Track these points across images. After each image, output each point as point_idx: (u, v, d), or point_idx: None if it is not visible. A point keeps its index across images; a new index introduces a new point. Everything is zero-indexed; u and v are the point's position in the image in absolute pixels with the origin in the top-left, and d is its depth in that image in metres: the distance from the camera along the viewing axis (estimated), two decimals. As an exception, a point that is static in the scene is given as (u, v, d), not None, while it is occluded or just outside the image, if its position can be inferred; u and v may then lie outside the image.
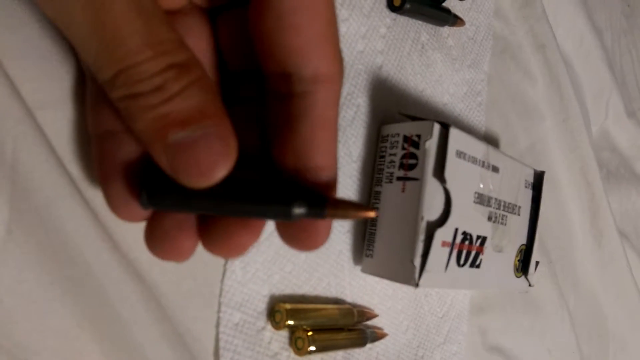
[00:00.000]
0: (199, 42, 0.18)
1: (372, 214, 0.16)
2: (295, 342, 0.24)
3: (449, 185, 0.24)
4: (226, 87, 0.18)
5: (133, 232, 0.19)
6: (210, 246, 0.16)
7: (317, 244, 0.16)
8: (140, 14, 0.13)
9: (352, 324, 0.26)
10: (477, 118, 0.34)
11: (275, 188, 0.15)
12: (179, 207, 0.15)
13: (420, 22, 0.30)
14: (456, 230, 0.25)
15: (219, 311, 0.22)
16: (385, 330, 0.28)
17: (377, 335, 0.27)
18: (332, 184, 0.16)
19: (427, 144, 0.24)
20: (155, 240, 0.16)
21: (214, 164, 0.13)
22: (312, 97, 0.15)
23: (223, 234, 0.16)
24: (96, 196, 0.18)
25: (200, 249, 0.17)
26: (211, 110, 0.14)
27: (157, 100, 0.13)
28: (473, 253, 0.26)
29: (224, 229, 0.16)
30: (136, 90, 0.13)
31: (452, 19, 0.31)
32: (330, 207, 0.15)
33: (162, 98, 0.13)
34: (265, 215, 0.15)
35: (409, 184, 0.24)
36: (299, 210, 0.15)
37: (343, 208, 0.15)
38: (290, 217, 0.15)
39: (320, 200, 0.15)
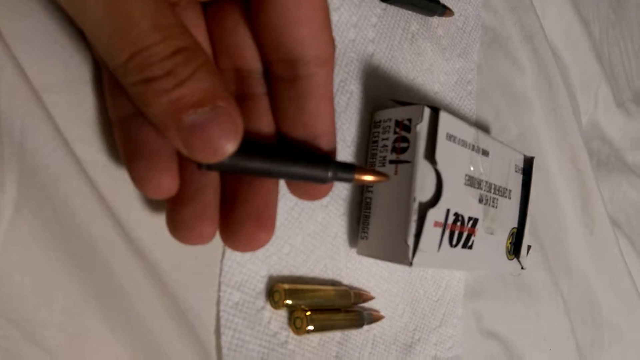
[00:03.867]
0: (195, 34, 0.18)
1: (386, 179, 0.20)
2: (294, 322, 0.24)
3: (440, 167, 0.25)
4: None
5: (135, 211, 0.20)
6: (230, 243, 0.18)
7: (323, 194, 0.19)
8: None
9: (348, 306, 0.27)
10: (467, 106, 0.35)
11: (313, 158, 0.18)
12: (235, 169, 0.17)
13: (410, 12, 0.31)
14: (448, 211, 0.26)
15: (219, 290, 0.22)
16: (382, 313, 0.29)
17: (373, 317, 0.28)
18: (334, 148, 0.19)
19: (418, 127, 0.25)
20: (177, 227, 0.17)
21: (225, 141, 0.15)
22: (315, 78, 0.17)
23: (242, 232, 0.18)
24: (100, 175, 0.18)
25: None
26: (219, 92, 0.15)
27: (170, 84, 0.14)
28: (465, 234, 0.27)
29: (243, 228, 0.18)
30: (149, 74, 0.14)
31: (441, 10, 0.31)
32: (357, 172, 0.19)
33: (174, 82, 0.14)
34: (306, 177, 0.18)
35: (401, 166, 0.25)
36: (332, 175, 0.18)
37: (365, 174, 0.19)
38: (325, 180, 0.18)
39: (350, 167, 0.19)
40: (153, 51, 0.13)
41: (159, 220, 0.20)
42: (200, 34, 0.18)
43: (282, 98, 0.18)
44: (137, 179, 0.17)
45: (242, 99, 0.19)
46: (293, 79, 0.18)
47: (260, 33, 0.18)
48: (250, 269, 0.23)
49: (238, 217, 0.18)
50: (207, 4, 0.19)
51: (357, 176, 0.19)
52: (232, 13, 0.18)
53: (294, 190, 0.20)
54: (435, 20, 0.32)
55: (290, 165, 0.17)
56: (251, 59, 0.19)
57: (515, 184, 0.32)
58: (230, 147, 0.15)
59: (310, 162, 0.18)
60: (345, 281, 0.27)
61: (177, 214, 0.17)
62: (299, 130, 0.18)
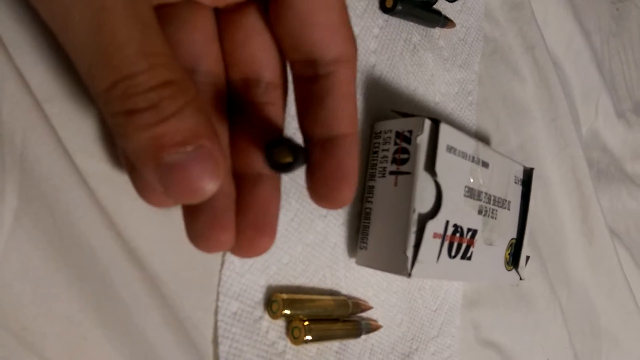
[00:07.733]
0: (195, 34, 0.18)
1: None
2: (292, 332, 0.24)
3: (439, 179, 0.25)
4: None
5: (134, 221, 0.20)
6: (232, 249, 0.18)
7: (343, 202, 0.18)
8: (138, 21, 0.13)
9: (347, 315, 0.27)
10: (468, 117, 0.35)
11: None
12: None
13: (411, 24, 0.31)
14: (447, 222, 0.26)
15: (217, 300, 0.22)
16: (380, 323, 0.29)
17: (371, 327, 0.28)
18: (355, 148, 0.18)
19: (419, 139, 0.25)
20: (194, 237, 0.17)
21: (205, 183, 0.14)
22: (335, 76, 0.17)
23: (243, 239, 0.18)
24: (100, 186, 0.18)
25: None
26: (204, 131, 0.14)
27: (153, 119, 0.13)
28: (464, 245, 0.27)
29: (243, 235, 0.18)
30: (132, 106, 0.13)
31: (443, 21, 0.32)
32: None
33: (158, 117, 0.13)
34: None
35: (401, 178, 0.25)
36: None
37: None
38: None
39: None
40: (138, 80, 0.13)
41: (159, 231, 0.20)
42: (200, 34, 0.18)
43: (304, 96, 0.18)
44: (141, 189, 0.17)
45: (247, 107, 0.19)
46: (314, 78, 0.18)
47: (280, 39, 0.18)
48: (249, 278, 0.23)
49: (238, 224, 0.18)
50: (218, 10, 0.19)
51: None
52: (242, 25, 0.18)
53: (316, 199, 0.19)
54: (437, 31, 0.32)
55: None
56: (258, 69, 0.19)
57: (514, 195, 0.32)
58: (209, 190, 0.14)
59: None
60: (344, 291, 0.27)
61: (193, 224, 0.17)
62: (318, 129, 0.18)
